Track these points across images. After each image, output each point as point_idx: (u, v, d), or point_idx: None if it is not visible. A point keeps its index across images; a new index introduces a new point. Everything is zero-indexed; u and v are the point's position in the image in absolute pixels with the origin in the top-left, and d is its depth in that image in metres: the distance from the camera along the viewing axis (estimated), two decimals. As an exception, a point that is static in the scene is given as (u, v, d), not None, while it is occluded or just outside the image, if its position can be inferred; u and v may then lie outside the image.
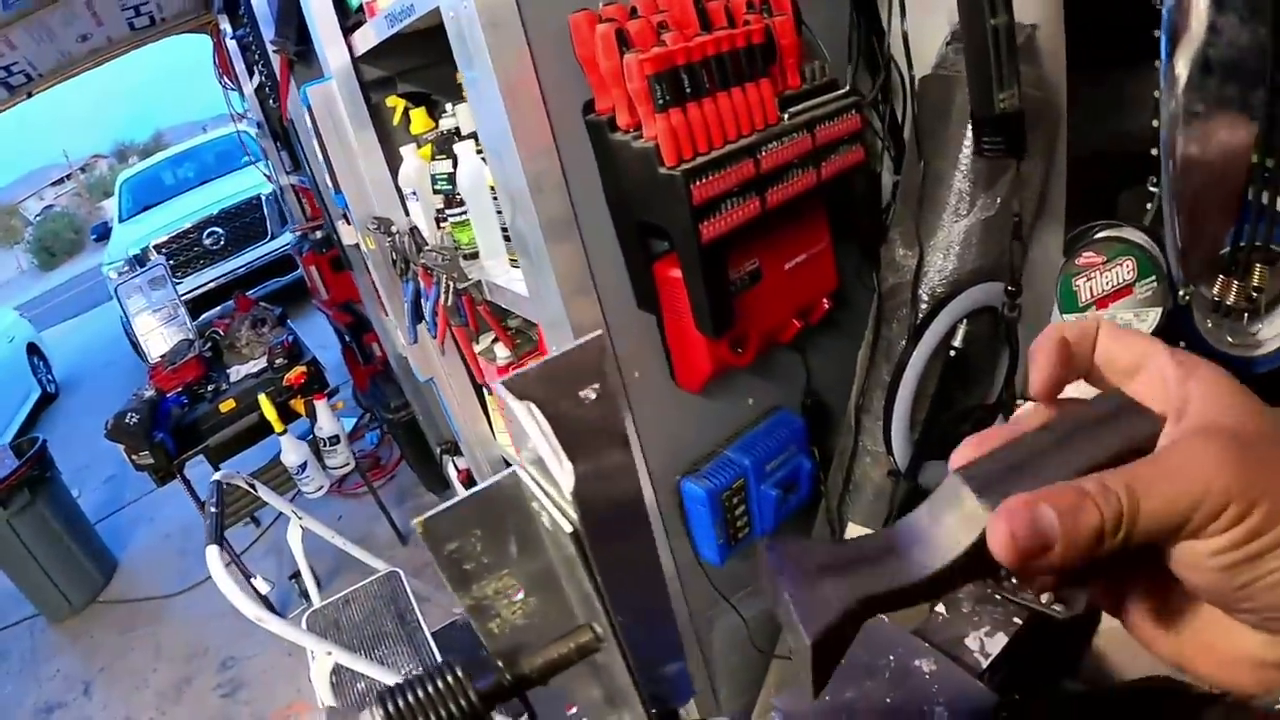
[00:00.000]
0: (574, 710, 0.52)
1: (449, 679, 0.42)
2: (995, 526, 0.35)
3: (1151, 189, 1.24)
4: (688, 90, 1.05)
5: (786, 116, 1.16)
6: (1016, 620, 1.00)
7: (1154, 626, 0.43)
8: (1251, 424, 0.37)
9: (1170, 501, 0.35)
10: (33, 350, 9.08)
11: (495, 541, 0.41)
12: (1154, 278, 1.05)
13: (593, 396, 0.43)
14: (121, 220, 8.93)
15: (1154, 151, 1.19)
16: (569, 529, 0.38)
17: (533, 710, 0.47)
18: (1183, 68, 1.01)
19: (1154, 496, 0.35)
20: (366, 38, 1.67)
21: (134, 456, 3.25)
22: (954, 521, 0.37)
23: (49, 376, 9.36)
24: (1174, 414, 0.39)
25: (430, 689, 0.42)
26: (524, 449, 0.41)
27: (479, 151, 1.51)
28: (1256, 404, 0.39)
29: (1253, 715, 0.42)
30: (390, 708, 0.41)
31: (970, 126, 1.28)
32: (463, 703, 0.42)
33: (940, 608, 0.99)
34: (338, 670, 2.10)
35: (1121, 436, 0.39)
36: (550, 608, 0.45)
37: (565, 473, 0.37)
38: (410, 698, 0.42)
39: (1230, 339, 1.16)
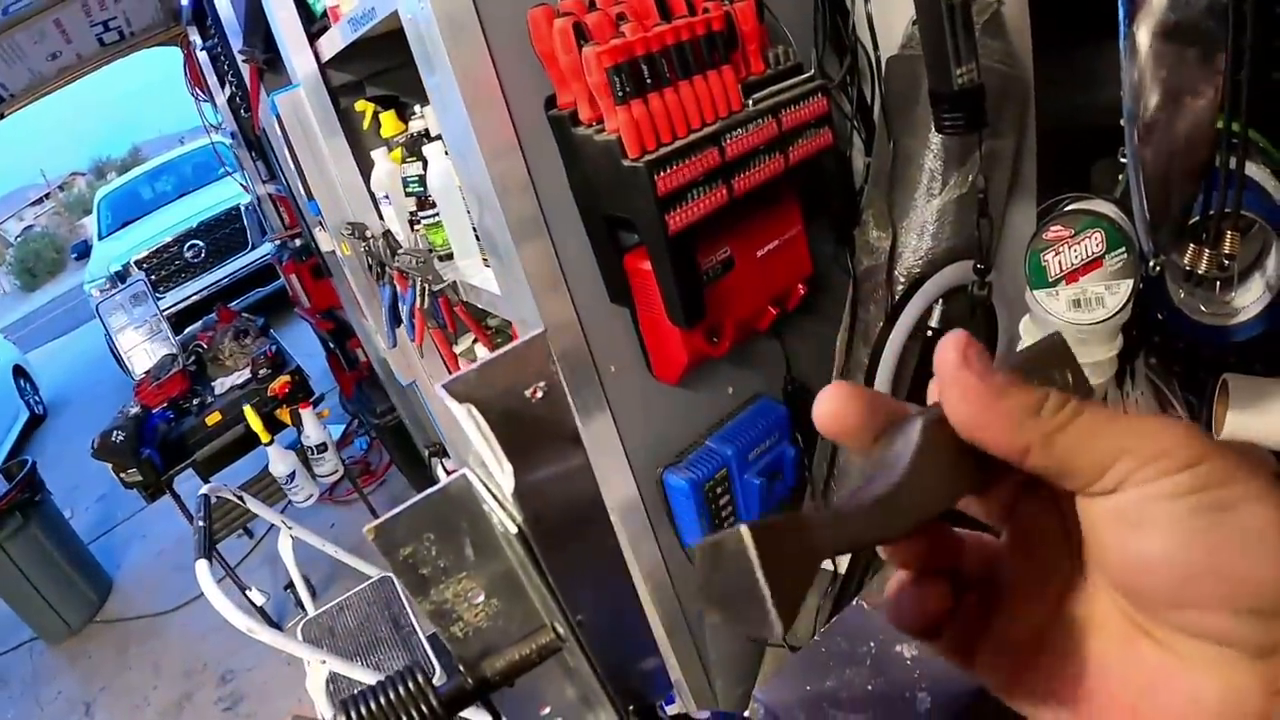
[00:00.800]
0: (547, 711, 0.52)
1: (410, 685, 0.42)
2: (946, 343, 0.34)
3: (1122, 160, 1.23)
4: (648, 81, 1.05)
5: (751, 103, 1.15)
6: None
7: (1040, 683, 0.37)
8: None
9: (1112, 420, 0.32)
10: (19, 372, 9.03)
11: (450, 545, 0.41)
12: (1124, 249, 1.05)
13: (539, 395, 0.42)
14: (101, 237, 8.91)
15: (1122, 123, 1.19)
16: (514, 530, 0.38)
17: (497, 713, 0.46)
18: (1143, 33, 1.01)
19: (1098, 414, 0.32)
20: (332, 42, 1.66)
21: (122, 474, 3.24)
22: (903, 437, 0.36)
23: (36, 398, 9.31)
24: None
25: (393, 694, 0.42)
26: (469, 452, 0.40)
27: (447, 152, 1.50)
28: None
29: None
30: (353, 715, 0.41)
31: (934, 104, 1.28)
32: (424, 708, 0.41)
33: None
34: (334, 678, 2.10)
35: None
36: (514, 609, 0.45)
37: (506, 474, 0.37)
38: (372, 705, 0.41)
39: (1204, 308, 1.16)
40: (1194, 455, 0.30)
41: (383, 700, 0.42)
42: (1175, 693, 0.32)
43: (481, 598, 0.44)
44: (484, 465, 0.39)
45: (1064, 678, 0.36)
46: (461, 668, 0.44)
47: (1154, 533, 0.31)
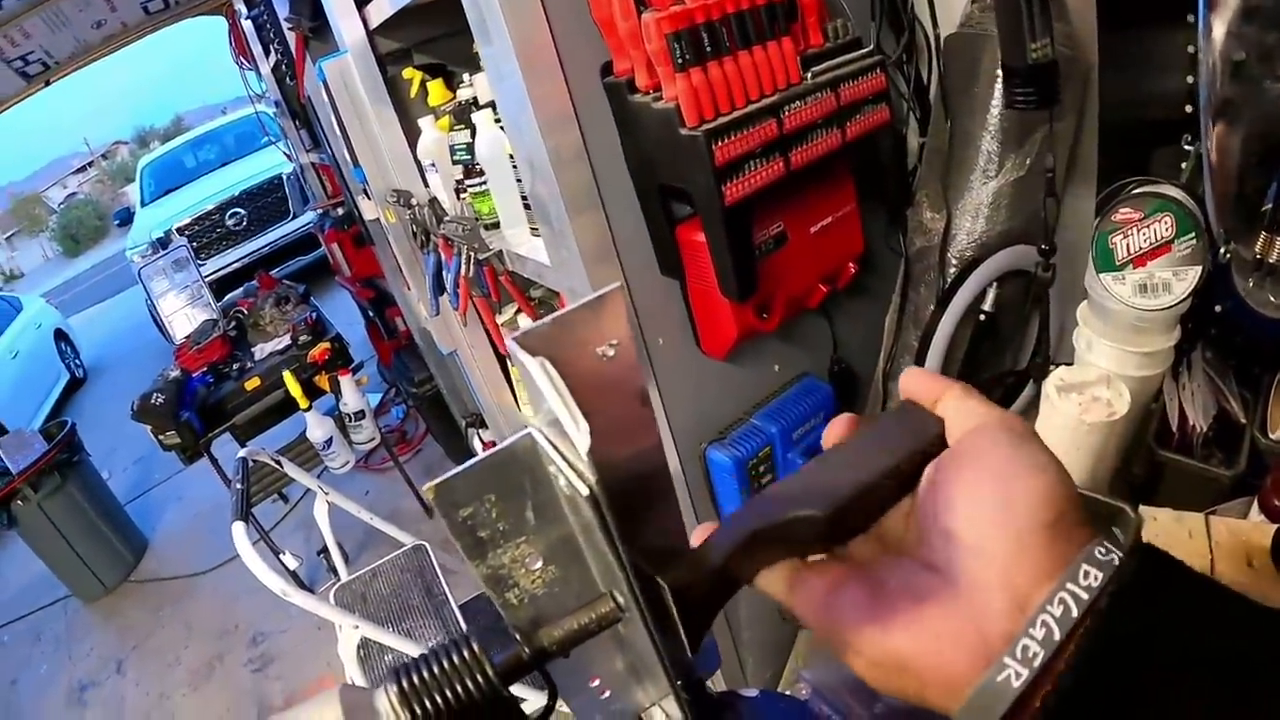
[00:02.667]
0: (597, 682, 0.51)
1: (464, 653, 0.41)
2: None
3: (1186, 147, 1.21)
4: (708, 49, 1.03)
5: (809, 76, 1.13)
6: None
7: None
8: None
9: None
10: (60, 336, 9.20)
11: (511, 507, 0.40)
12: (1193, 235, 1.02)
13: (611, 353, 0.41)
14: (144, 205, 8.98)
15: (1188, 109, 1.16)
16: (585, 492, 0.36)
17: (554, 684, 0.45)
18: (1222, 16, 0.98)
19: None
20: (380, 9, 1.65)
21: (160, 436, 3.28)
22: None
23: (77, 361, 9.47)
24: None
25: (445, 664, 0.41)
26: (539, 409, 0.39)
27: (497, 120, 1.49)
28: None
29: None
30: (405, 684, 0.40)
31: (999, 84, 1.25)
32: (479, 678, 0.40)
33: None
34: (365, 644, 2.11)
35: (913, 429, 0.46)
36: (571, 576, 0.44)
37: (581, 433, 0.35)
38: (425, 673, 0.40)
39: (1272, 299, 1.13)
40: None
41: (435, 669, 0.41)
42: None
43: (540, 564, 0.42)
44: (553, 424, 0.38)
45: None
46: (517, 636, 0.43)
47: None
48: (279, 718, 0.38)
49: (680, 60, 1.01)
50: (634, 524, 0.40)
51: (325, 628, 3.24)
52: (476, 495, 0.39)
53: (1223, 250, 1.05)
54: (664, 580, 0.42)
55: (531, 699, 1.60)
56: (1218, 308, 1.26)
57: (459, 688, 0.40)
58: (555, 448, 0.39)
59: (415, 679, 0.40)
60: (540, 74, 1.10)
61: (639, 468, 0.45)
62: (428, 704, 0.39)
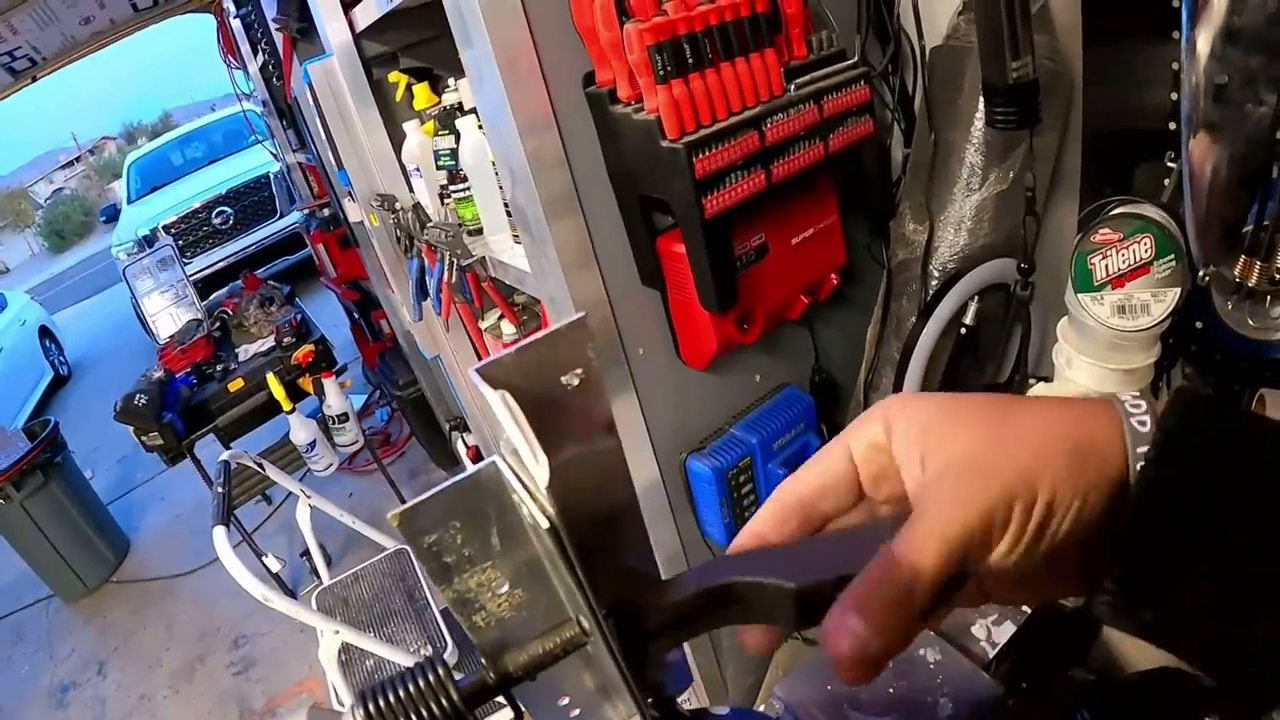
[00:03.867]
0: (565, 701, 0.51)
1: (430, 677, 0.41)
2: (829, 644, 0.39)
3: (1169, 164, 1.21)
4: (690, 61, 1.03)
5: (793, 88, 1.13)
6: (1025, 609, 0.98)
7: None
8: (967, 433, 0.41)
9: (944, 540, 0.38)
10: (44, 333, 9.14)
11: (476, 534, 0.40)
12: (1173, 256, 1.02)
13: (575, 383, 0.41)
14: (130, 201, 8.95)
15: (1172, 126, 1.16)
16: (545, 525, 0.36)
17: (519, 709, 0.45)
18: (1205, 37, 0.98)
19: (926, 550, 0.38)
20: (367, 12, 1.65)
21: (143, 437, 3.26)
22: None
23: (61, 359, 9.42)
24: (913, 471, 0.42)
25: (411, 688, 0.41)
26: (501, 440, 0.39)
27: (481, 126, 1.49)
28: (968, 407, 0.43)
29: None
30: (370, 708, 0.40)
31: (982, 99, 1.25)
32: (444, 702, 0.40)
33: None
34: (346, 648, 2.11)
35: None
36: (538, 600, 0.43)
37: (541, 466, 0.35)
38: (391, 697, 0.40)
39: (1251, 321, 1.13)
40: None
41: (402, 693, 0.41)
42: None
43: (505, 588, 0.42)
44: (515, 454, 0.38)
45: None
46: (484, 660, 0.43)
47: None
48: None
49: (662, 72, 1.01)
50: (599, 552, 0.40)
51: (308, 631, 3.22)
52: (441, 521, 0.39)
53: (1201, 273, 1.05)
54: (625, 607, 0.42)
55: (501, 713, 1.60)
56: (1198, 324, 1.26)
57: (424, 712, 0.40)
58: (518, 477, 0.38)
59: (382, 702, 0.40)
60: (520, 78, 1.10)
61: (605, 496, 0.44)
62: None
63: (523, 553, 0.41)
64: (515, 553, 0.41)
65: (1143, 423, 0.39)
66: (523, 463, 0.37)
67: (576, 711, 0.52)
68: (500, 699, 0.44)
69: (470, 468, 0.39)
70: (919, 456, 0.42)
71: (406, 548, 2.62)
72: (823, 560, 0.43)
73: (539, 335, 0.39)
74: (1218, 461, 0.37)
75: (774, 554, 0.46)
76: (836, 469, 0.47)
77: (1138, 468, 0.38)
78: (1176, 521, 0.37)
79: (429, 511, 0.38)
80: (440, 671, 0.41)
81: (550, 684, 0.47)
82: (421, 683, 0.41)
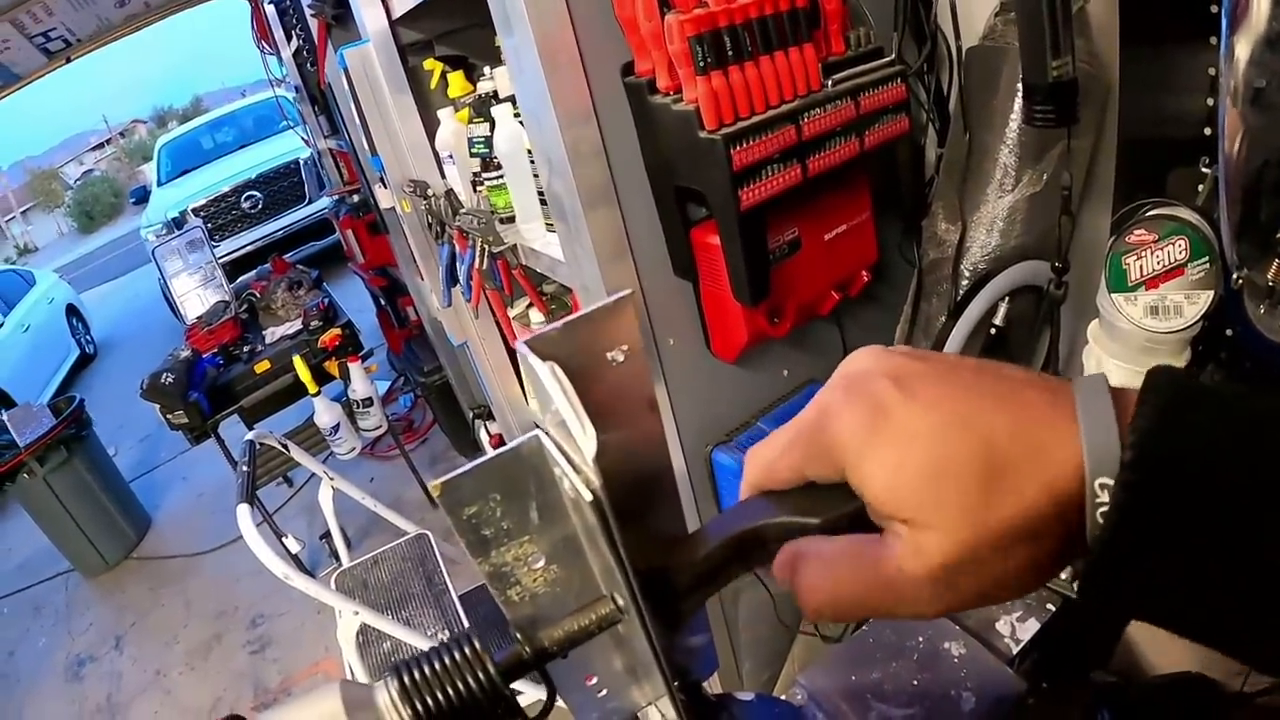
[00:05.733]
0: (594, 681, 0.51)
1: (466, 651, 0.41)
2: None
3: (1204, 170, 1.20)
4: (729, 53, 1.03)
5: (830, 83, 1.13)
6: (1050, 606, 0.98)
7: None
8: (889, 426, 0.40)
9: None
10: (72, 312, 9.25)
11: (516, 507, 0.40)
12: (1207, 259, 1.02)
13: (620, 359, 0.41)
14: (160, 184, 9.03)
15: (1207, 131, 1.16)
16: (589, 498, 0.37)
17: (552, 683, 0.46)
18: (1244, 43, 0.97)
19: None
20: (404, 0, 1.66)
21: (169, 416, 3.29)
22: None
23: (87, 337, 9.52)
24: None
25: (447, 661, 0.41)
26: (547, 412, 0.40)
27: (517, 115, 1.49)
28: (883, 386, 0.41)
29: None
30: (405, 680, 0.40)
31: (1019, 99, 1.25)
32: (480, 676, 0.40)
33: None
34: (364, 630, 2.12)
35: None
36: (573, 576, 0.44)
37: (588, 438, 0.36)
38: (425, 670, 0.40)
39: (1281, 326, 1.12)
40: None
41: (436, 666, 0.41)
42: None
43: (541, 563, 0.43)
44: (560, 426, 0.38)
45: None
46: (518, 635, 0.43)
47: None
48: (280, 707, 0.39)
49: (702, 63, 1.01)
50: (636, 528, 0.40)
51: (325, 612, 3.25)
52: (482, 494, 0.39)
53: (1235, 276, 1.05)
54: (655, 564, 0.42)
55: (527, 692, 1.61)
56: (1228, 331, 1.26)
57: (459, 685, 0.40)
58: (561, 451, 0.39)
59: (416, 675, 0.40)
60: (561, 68, 1.10)
61: (644, 473, 0.45)
62: (428, 700, 0.39)
63: (560, 528, 0.42)
64: (553, 528, 0.41)
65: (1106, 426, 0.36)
66: (568, 435, 0.38)
67: (604, 692, 0.52)
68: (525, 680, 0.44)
69: (509, 443, 0.40)
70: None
71: (426, 533, 2.64)
72: (834, 498, 0.43)
73: (586, 311, 0.40)
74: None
75: (786, 496, 0.46)
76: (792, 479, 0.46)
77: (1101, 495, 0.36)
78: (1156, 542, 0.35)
79: (471, 483, 0.39)
80: (477, 645, 0.41)
81: (579, 664, 0.48)
82: (457, 655, 0.41)
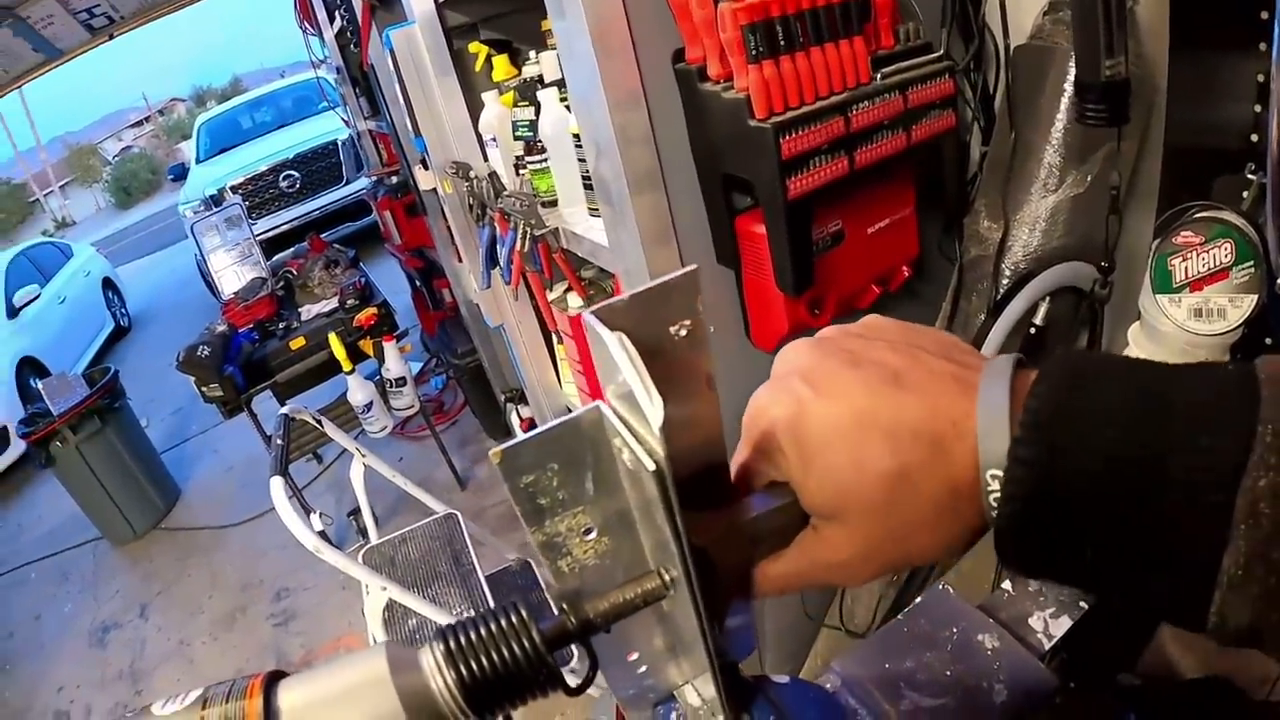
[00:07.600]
0: (635, 657, 0.52)
1: (512, 619, 0.41)
2: None
3: (1250, 176, 1.20)
4: (781, 42, 1.04)
5: (879, 76, 1.14)
6: (1082, 604, 0.99)
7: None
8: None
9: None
10: (108, 285, 9.38)
11: (572, 478, 0.41)
12: (1252, 263, 1.02)
13: (683, 334, 0.42)
14: (199, 161, 9.13)
15: (1254, 138, 1.15)
16: (652, 467, 0.37)
17: (595, 655, 0.46)
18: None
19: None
20: (452, -18, 1.67)
21: (204, 388, 3.34)
22: None
23: (123, 310, 9.66)
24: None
25: (493, 627, 0.41)
26: (612, 382, 0.40)
27: (563, 99, 1.51)
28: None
29: None
30: (451, 644, 0.40)
31: (1065, 98, 1.25)
32: (525, 644, 0.41)
33: (1006, 584, 0.98)
34: (390, 606, 2.14)
35: None
36: (622, 550, 0.45)
37: (656, 408, 0.36)
38: (472, 635, 0.40)
39: (1322, 332, 1.12)
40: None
41: (482, 632, 0.41)
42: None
43: (594, 534, 0.43)
44: (625, 398, 0.39)
45: None
46: (565, 606, 0.44)
47: None
48: (325, 665, 0.40)
49: (754, 52, 1.02)
50: (691, 504, 0.41)
51: (349, 588, 3.29)
52: (540, 463, 0.40)
53: (1278, 281, 1.05)
54: (704, 552, 0.44)
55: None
56: (1268, 340, 1.25)
57: (504, 651, 0.40)
58: (624, 422, 0.40)
59: (462, 639, 0.40)
60: (612, 52, 1.11)
61: (697, 451, 0.46)
62: (473, 664, 0.40)
63: (614, 501, 0.43)
64: (607, 500, 0.42)
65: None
66: (632, 406, 0.38)
67: (644, 668, 0.53)
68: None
69: (568, 414, 0.40)
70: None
71: (455, 513, 2.66)
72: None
73: (653, 284, 0.41)
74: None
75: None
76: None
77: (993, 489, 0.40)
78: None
79: (530, 452, 0.39)
80: (523, 613, 0.42)
81: (622, 638, 0.48)
82: (504, 622, 0.41)
